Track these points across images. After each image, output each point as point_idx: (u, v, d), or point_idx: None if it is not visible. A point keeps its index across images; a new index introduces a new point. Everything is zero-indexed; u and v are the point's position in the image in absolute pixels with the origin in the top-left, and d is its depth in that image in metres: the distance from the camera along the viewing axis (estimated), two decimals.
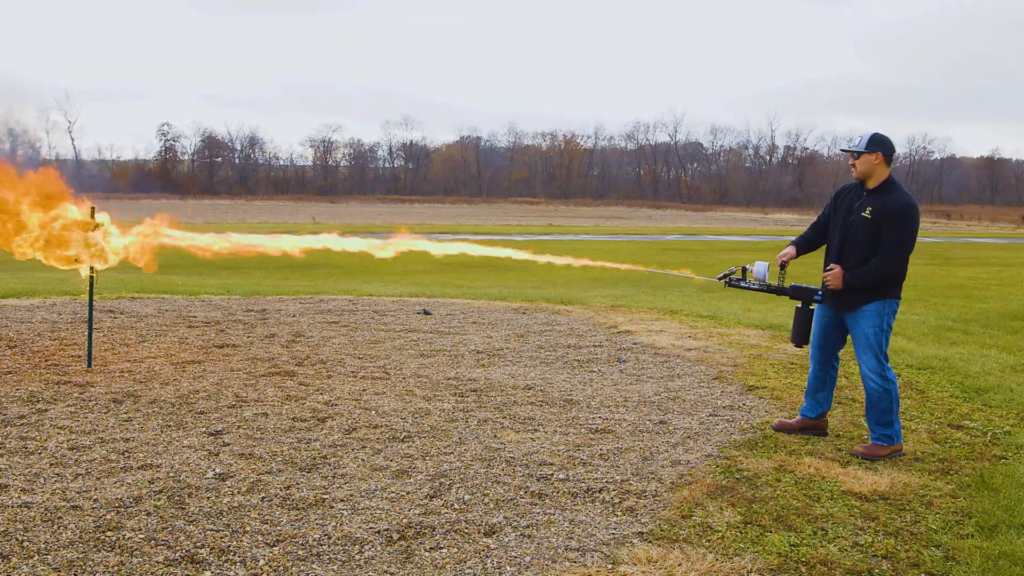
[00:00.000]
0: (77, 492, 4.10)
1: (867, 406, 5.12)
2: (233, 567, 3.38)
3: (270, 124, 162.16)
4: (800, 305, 5.27)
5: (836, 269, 5.07)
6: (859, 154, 5.03)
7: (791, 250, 5.38)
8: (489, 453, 4.86)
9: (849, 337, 5.26)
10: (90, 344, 6.88)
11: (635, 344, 8.50)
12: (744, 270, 5.46)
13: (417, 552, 3.57)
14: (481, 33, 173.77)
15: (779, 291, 5.36)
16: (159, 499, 4.05)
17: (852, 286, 5.02)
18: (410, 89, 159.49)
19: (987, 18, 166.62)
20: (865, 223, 4.99)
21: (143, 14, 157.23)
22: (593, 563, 3.51)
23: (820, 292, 5.21)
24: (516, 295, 12.63)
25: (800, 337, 5.27)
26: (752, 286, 5.43)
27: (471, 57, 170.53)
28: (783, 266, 5.32)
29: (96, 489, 4.15)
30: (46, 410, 5.54)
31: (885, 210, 4.94)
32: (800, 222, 57.63)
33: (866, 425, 5.65)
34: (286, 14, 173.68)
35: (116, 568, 3.34)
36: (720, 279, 5.51)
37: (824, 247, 5.37)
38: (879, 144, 5.01)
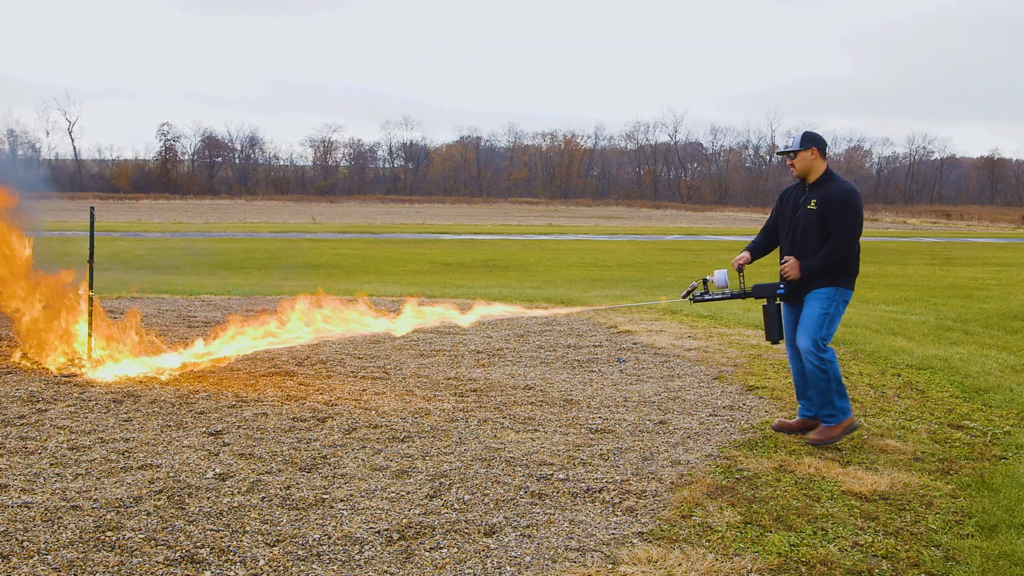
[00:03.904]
0: (77, 492, 4.10)
1: (810, 386, 5.21)
2: (233, 567, 3.38)
3: (270, 124, 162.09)
4: (767, 303, 5.34)
5: (792, 260, 5.20)
6: (795, 153, 5.20)
7: (746, 255, 5.49)
8: (489, 453, 4.86)
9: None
10: (90, 343, 6.87)
11: (635, 344, 8.50)
12: (705, 282, 5.52)
13: (417, 552, 3.57)
14: (481, 33, 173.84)
15: (743, 295, 5.45)
16: (159, 499, 4.04)
17: (808, 273, 5.14)
18: (410, 89, 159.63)
19: (986, 18, 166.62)
20: (813, 215, 5.14)
21: (137, 15, 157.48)
22: (593, 563, 3.50)
23: (782, 286, 5.28)
24: (516, 295, 12.63)
25: (775, 333, 5.33)
26: (716, 296, 5.51)
27: (471, 57, 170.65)
28: (740, 270, 5.43)
29: (96, 489, 4.15)
30: (46, 410, 5.54)
31: (829, 199, 5.09)
32: None
33: (865, 425, 5.66)
34: (284, 15, 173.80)
35: (116, 568, 3.33)
36: (685, 297, 5.59)
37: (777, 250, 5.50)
38: (812, 141, 5.19)
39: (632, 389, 6.57)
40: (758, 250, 5.54)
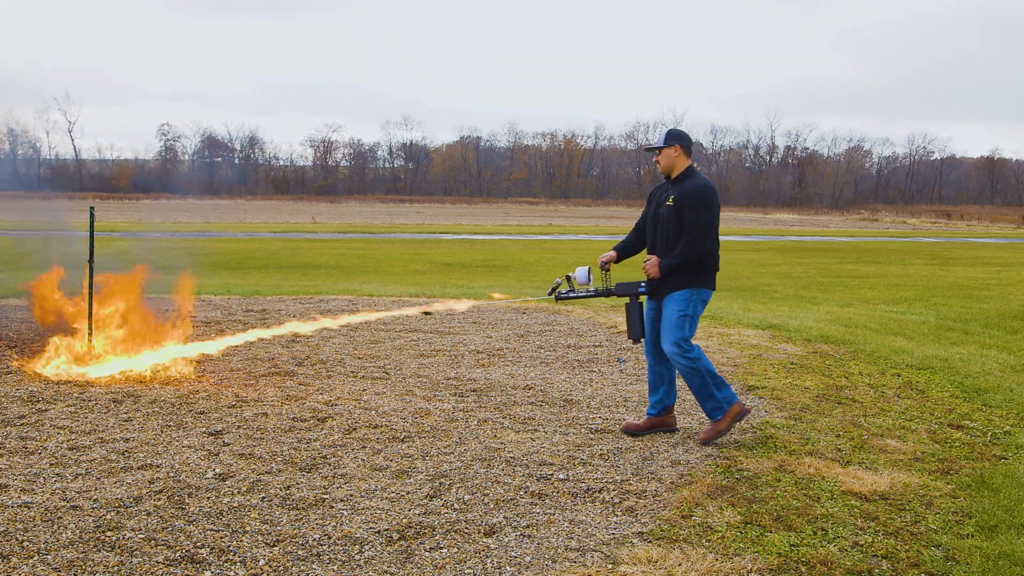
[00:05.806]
0: (77, 492, 4.10)
1: (689, 388, 5.21)
2: (233, 567, 3.38)
3: (269, 124, 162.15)
4: (629, 301, 5.36)
5: (653, 259, 5.23)
6: (660, 149, 5.25)
7: (612, 253, 5.53)
8: (489, 453, 4.86)
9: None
10: (90, 343, 6.87)
11: (635, 344, 8.49)
12: (569, 279, 5.56)
13: (417, 552, 3.57)
14: (481, 33, 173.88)
15: (607, 293, 5.47)
16: (159, 499, 4.04)
17: (667, 271, 5.16)
18: (410, 89, 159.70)
19: (986, 18, 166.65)
20: (670, 211, 5.18)
21: (137, 15, 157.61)
22: (593, 563, 3.50)
23: (644, 285, 5.32)
24: (515, 295, 12.63)
25: (635, 331, 5.34)
26: (581, 294, 5.55)
27: (471, 57, 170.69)
28: (604, 267, 5.48)
29: (96, 489, 4.15)
30: (46, 410, 5.54)
31: (683, 195, 5.14)
32: (800, 222, 57.52)
33: (859, 425, 5.66)
34: (284, 15, 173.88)
35: (116, 568, 3.34)
36: (550, 295, 5.63)
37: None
38: (676, 138, 5.24)
39: (632, 389, 6.57)
40: (627, 249, 5.55)
